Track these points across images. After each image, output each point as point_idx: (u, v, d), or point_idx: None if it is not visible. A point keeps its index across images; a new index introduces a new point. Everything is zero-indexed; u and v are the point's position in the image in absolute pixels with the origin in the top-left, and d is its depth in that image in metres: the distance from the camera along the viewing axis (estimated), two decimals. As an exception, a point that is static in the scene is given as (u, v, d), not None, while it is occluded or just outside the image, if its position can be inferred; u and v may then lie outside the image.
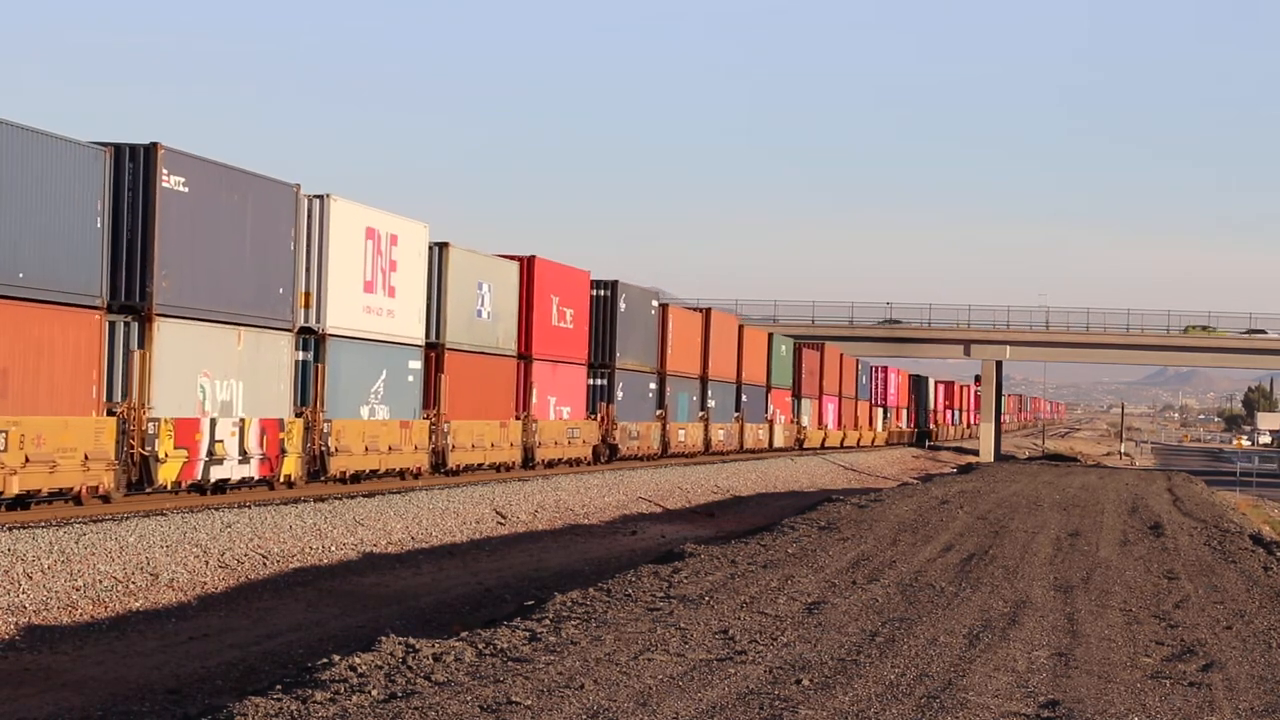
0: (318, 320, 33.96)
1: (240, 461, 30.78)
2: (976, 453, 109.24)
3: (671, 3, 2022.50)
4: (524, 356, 45.84)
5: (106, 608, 21.23)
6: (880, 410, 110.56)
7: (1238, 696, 14.52)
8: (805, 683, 14.06)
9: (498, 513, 36.12)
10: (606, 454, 53.08)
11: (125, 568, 22.99)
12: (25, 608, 20.29)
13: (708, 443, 65.15)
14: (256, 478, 31.60)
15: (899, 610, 19.16)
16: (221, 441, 30.15)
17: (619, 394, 53.69)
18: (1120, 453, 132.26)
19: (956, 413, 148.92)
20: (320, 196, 33.97)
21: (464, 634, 16.46)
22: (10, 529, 23.51)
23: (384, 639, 15.54)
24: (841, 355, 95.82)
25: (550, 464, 47.83)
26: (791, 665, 14.92)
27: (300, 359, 33.56)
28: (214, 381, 30.10)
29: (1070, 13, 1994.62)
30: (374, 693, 13.03)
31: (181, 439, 28.90)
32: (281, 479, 32.46)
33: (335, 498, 32.79)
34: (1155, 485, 60.69)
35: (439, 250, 40.30)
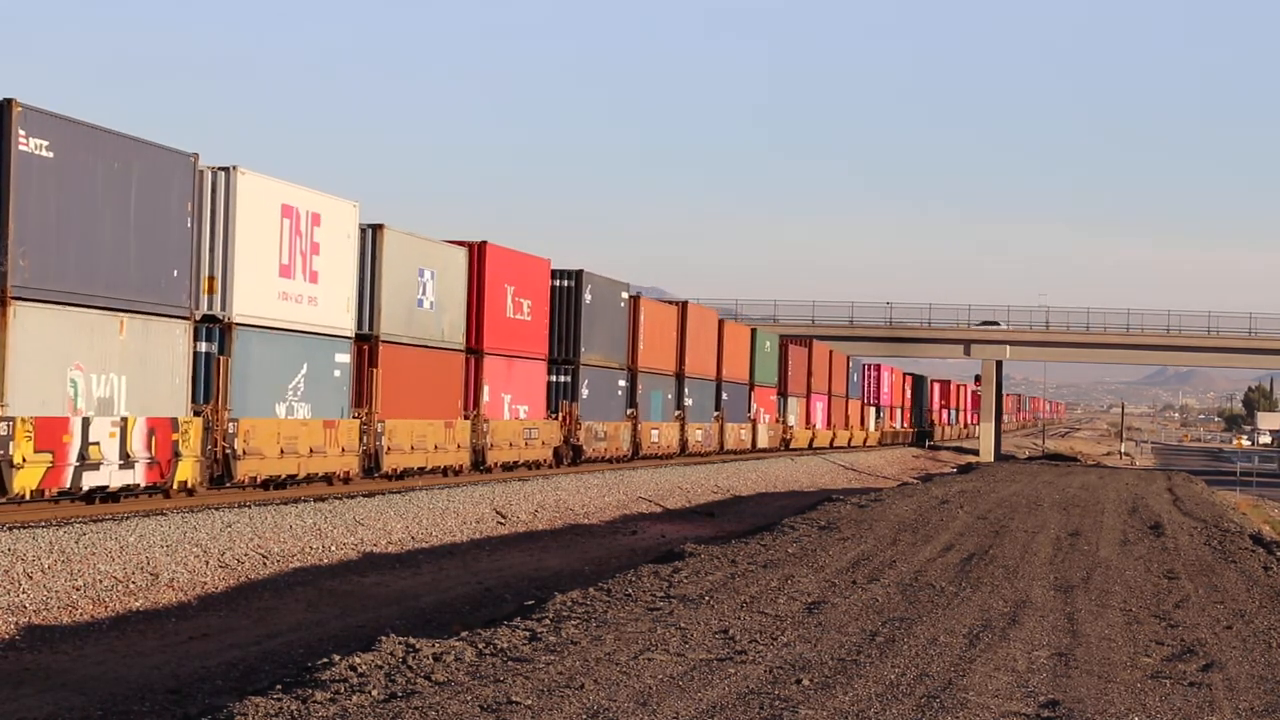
0: (223, 307, 30.13)
1: (122, 466, 26.77)
2: (976, 452, 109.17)
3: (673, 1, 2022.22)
4: (473, 351, 42.14)
5: (106, 607, 21.23)
6: (873, 409, 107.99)
7: (1238, 696, 14.52)
8: (805, 682, 14.06)
9: (498, 512, 36.10)
10: (570, 456, 49.30)
11: (125, 567, 22.99)
12: (25, 608, 20.29)
13: (684, 444, 61.59)
14: (143, 484, 27.62)
15: (899, 610, 19.16)
16: (97, 444, 26.06)
17: (584, 392, 49.77)
18: (1120, 452, 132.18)
19: (953, 412, 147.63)
20: (225, 169, 30.16)
21: (464, 634, 16.46)
22: (10, 529, 23.50)
23: (384, 639, 15.55)
24: (831, 352, 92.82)
25: (508, 467, 44.53)
26: (791, 665, 14.92)
27: (203, 350, 29.86)
28: (89, 376, 26.10)
29: (1071, 11, 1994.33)
30: (374, 692, 13.03)
31: (44, 441, 24.82)
32: (176, 485, 28.64)
33: (336, 497, 32.75)
34: (1155, 485, 60.67)
35: (372, 232, 36.45)
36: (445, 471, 40.38)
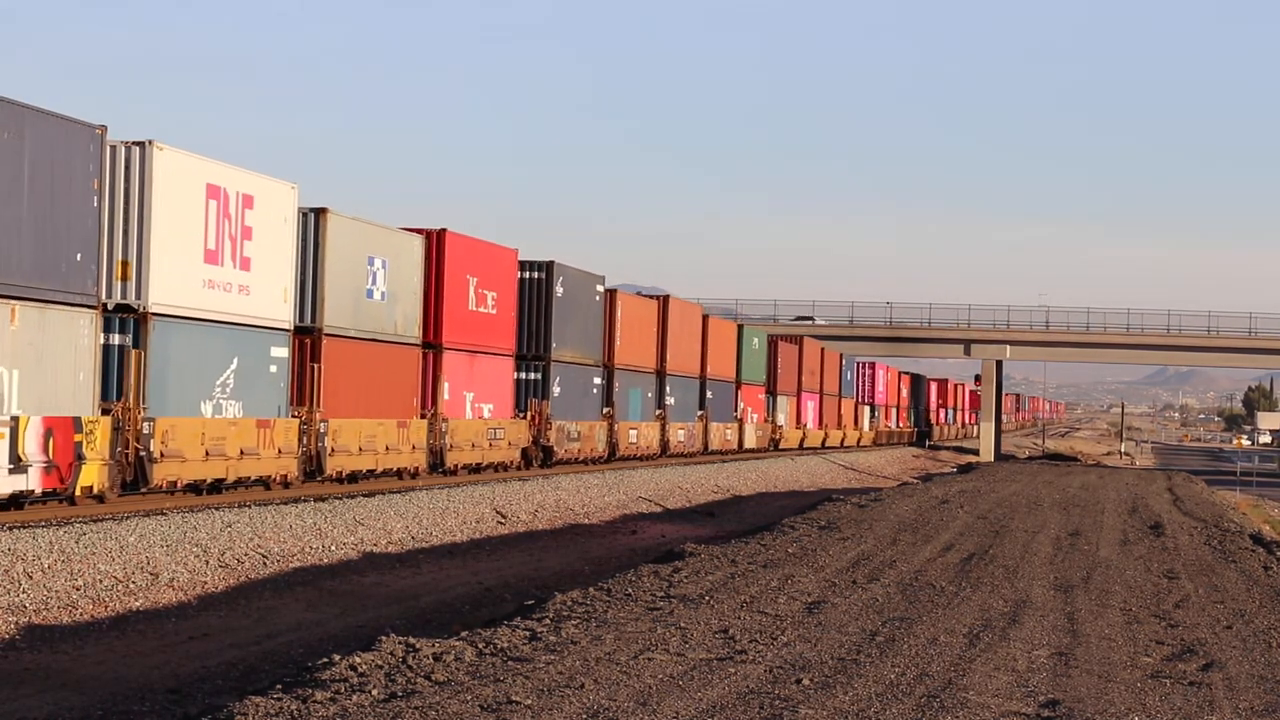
0: (138, 296, 27.51)
1: (12, 471, 24.06)
2: (976, 452, 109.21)
3: None
4: (431, 345, 39.36)
5: (106, 607, 21.24)
6: (867, 409, 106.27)
7: (1238, 696, 14.52)
8: (805, 682, 14.06)
9: (498, 512, 36.10)
10: (539, 457, 46.80)
11: (125, 567, 23.00)
12: (25, 607, 20.29)
13: (665, 444, 58.77)
14: (39, 491, 24.85)
15: (899, 610, 19.16)
16: None
17: (555, 389, 47.14)
18: (1120, 452, 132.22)
19: (951, 412, 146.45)
20: (140, 143, 27.67)
21: (464, 633, 16.47)
22: (10, 529, 23.50)
23: (384, 638, 15.55)
24: (823, 350, 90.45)
25: (474, 469, 42.14)
26: (791, 665, 14.92)
27: (115, 343, 27.35)
28: None
29: (1070, 9, 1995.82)
30: (374, 692, 13.03)
31: None
32: (79, 491, 25.83)
33: (336, 497, 32.72)
34: (1155, 485, 60.68)
35: (314, 217, 33.88)
36: (400, 474, 37.93)
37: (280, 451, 31.81)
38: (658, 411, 58.73)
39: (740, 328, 72.63)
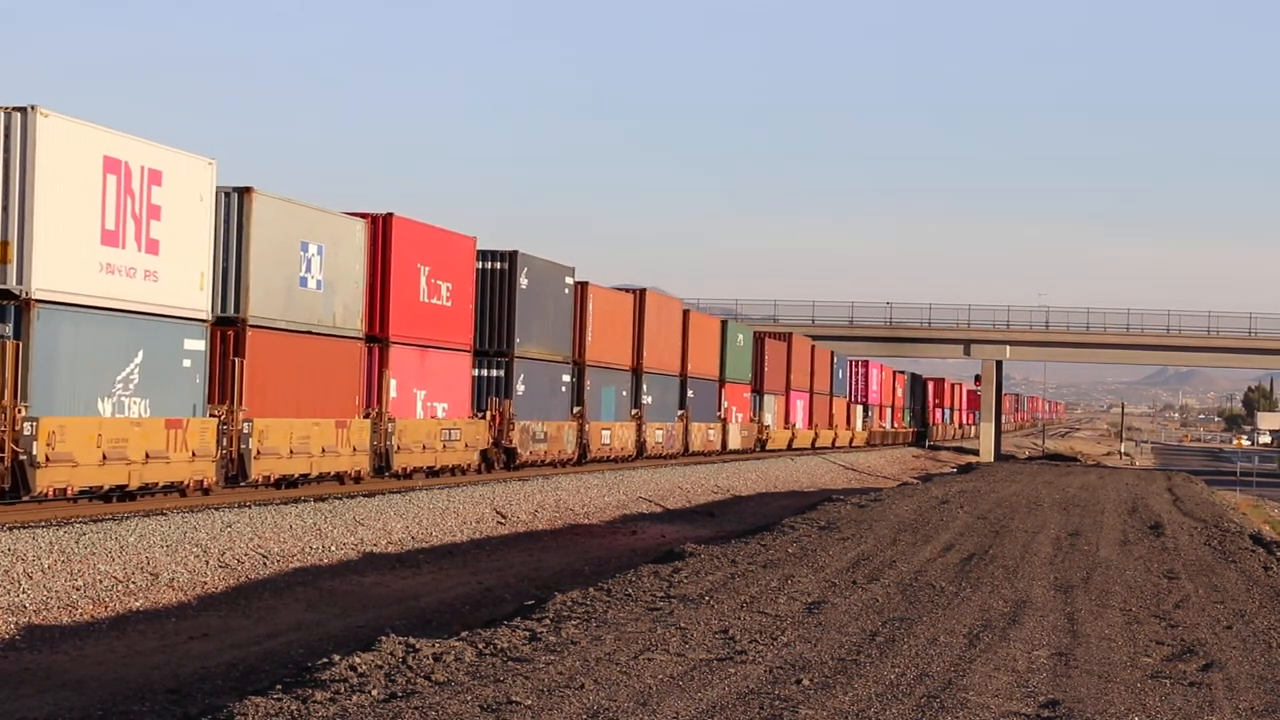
0: (20, 280, 24.49)
1: None
2: (976, 452, 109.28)
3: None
4: (376, 339, 36.45)
5: (106, 607, 21.25)
6: (860, 408, 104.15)
7: (1238, 696, 14.52)
8: (805, 682, 14.07)
9: (498, 512, 36.12)
10: (501, 459, 43.82)
11: (125, 567, 23.01)
12: (25, 607, 20.31)
13: (641, 445, 55.72)
14: None
15: (899, 610, 19.17)
16: None
17: (519, 388, 44.23)
18: (1120, 452, 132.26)
19: (948, 412, 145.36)
20: (20, 109, 24.60)
21: (464, 634, 16.48)
22: (10, 529, 23.51)
23: (384, 639, 15.56)
24: (814, 347, 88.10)
25: (433, 472, 39.36)
26: (792, 665, 14.93)
27: None
28: None
29: (1071, 10, 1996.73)
30: (374, 692, 13.04)
31: None
32: None
33: (336, 497, 32.72)
34: (1155, 485, 60.71)
35: (238, 197, 30.82)
36: (340, 478, 35.07)
37: (194, 454, 28.62)
38: (633, 411, 55.85)
39: (724, 323, 69.51)
